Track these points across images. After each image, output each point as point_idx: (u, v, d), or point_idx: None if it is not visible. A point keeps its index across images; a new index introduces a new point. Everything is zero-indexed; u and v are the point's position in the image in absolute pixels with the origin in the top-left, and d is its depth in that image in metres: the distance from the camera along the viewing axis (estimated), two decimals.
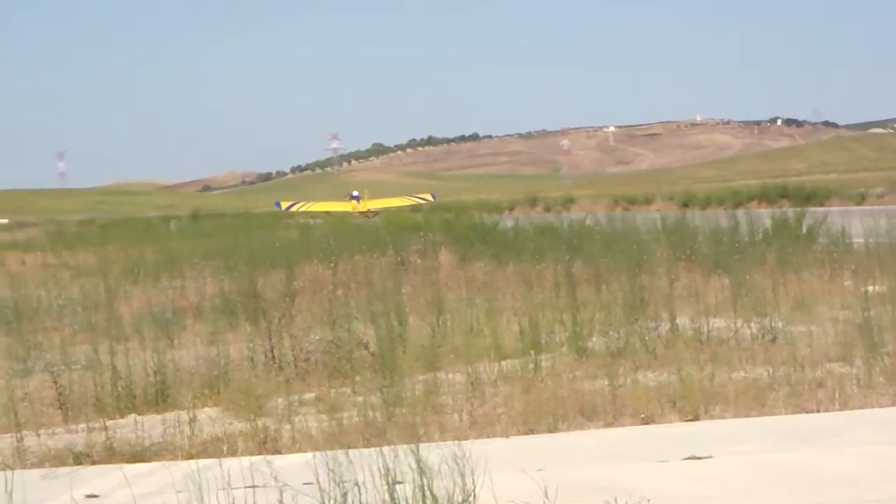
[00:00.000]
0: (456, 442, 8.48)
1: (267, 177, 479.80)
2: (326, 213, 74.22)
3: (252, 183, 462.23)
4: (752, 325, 16.10)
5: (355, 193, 79.34)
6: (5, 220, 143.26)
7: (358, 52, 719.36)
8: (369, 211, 72.95)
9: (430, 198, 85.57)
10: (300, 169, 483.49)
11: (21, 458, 11.62)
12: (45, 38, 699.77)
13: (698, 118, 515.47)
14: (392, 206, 78.44)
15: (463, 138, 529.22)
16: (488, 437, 11.53)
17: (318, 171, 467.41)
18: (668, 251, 23.82)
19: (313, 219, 68.98)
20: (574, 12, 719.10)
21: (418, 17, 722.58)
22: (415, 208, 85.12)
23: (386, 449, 8.09)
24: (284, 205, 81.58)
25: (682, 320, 16.56)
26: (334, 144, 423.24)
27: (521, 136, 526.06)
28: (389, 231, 38.94)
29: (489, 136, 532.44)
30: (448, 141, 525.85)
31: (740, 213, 30.69)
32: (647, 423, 11.94)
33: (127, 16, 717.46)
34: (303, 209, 78.76)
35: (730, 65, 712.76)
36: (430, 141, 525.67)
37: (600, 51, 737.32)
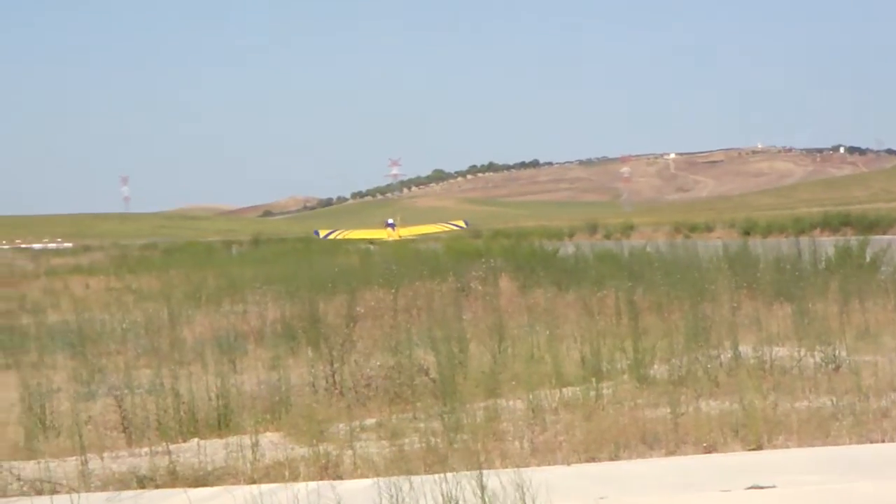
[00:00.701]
0: (517, 469, 8.47)
1: (328, 202, 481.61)
2: (365, 240, 75.24)
3: (313, 208, 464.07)
4: (816, 354, 15.97)
5: (390, 221, 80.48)
6: (70, 244, 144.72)
7: (419, 77, 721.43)
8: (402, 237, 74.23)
9: (462, 224, 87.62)
10: (361, 195, 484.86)
11: (86, 482, 11.70)
12: (111, 64, 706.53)
13: (759, 145, 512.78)
14: (425, 232, 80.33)
15: (523, 164, 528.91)
16: (549, 464, 11.48)
17: (379, 196, 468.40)
18: (730, 279, 23.67)
19: (372, 245, 69.57)
20: (636, 39, 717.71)
21: (480, 43, 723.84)
22: (474, 234, 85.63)
23: (448, 475, 8.10)
24: (323, 232, 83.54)
25: (745, 348, 16.45)
26: (394, 170, 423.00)
27: (581, 162, 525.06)
28: (450, 257, 39.03)
29: (549, 163, 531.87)
30: (508, 167, 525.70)
31: (802, 240, 30.45)
32: (709, 452, 11.85)
33: (192, 42, 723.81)
34: (340, 236, 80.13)
35: (793, 92, 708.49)
36: (491, 167, 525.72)
37: (662, 77, 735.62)
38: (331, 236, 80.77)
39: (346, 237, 79.82)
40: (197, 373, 15.75)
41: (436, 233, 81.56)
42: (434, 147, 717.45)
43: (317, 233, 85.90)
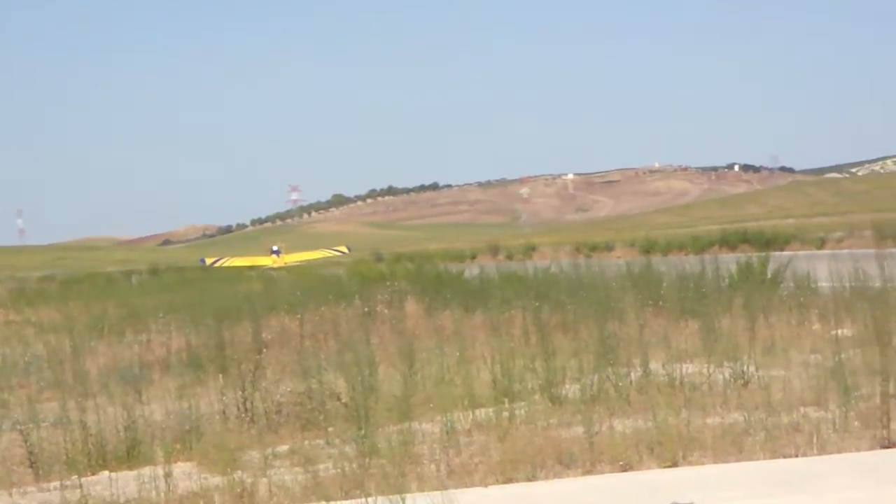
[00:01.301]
0: (441, 491, 8.41)
1: (227, 230, 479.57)
2: (249, 266, 77.00)
3: (212, 236, 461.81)
4: (725, 369, 16.09)
5: (275, 248, 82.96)
6: None
7: (317, 102, 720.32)
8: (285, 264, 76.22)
9: (345, 250, 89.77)
10: (260, 221, 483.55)
11: None
12: (2, 94, 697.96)
13: (656, 165, 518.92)
14: (309, 258, 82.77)
15: (423, 188, 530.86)
16: (467, 486, 11.42)
17: (279, 222, 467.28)
18: (636, 297, 23.80)
19: (273, 270, 69.79)
20: (531, 60, 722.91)
21: (376, 67, 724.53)
22: (377, 258, 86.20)
23: (369, 500, 8.02)
24: (209, 260, 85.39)
25: (654, 366, 16.53)
26: (294, 196, 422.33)
27: (480, 184, 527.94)
28: (355, 281, 38.92)
29: (449, 186, 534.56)
30: (408, 191, 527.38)
31: (704, 258, 30.69)
32: (626, 471, 11.87)
33: (87, 70, 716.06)
34: (226, 264, 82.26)
35: (687, 111, 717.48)
36: (390, 191, 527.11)
37: (557, 98, 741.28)
38: (217, 264, 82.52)
39: (232, 265, 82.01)
40: (103, 404, 15.47)
41: (319, 259, 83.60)
42: (333, 172, 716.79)
43: (203, 261, 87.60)
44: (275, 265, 75.53)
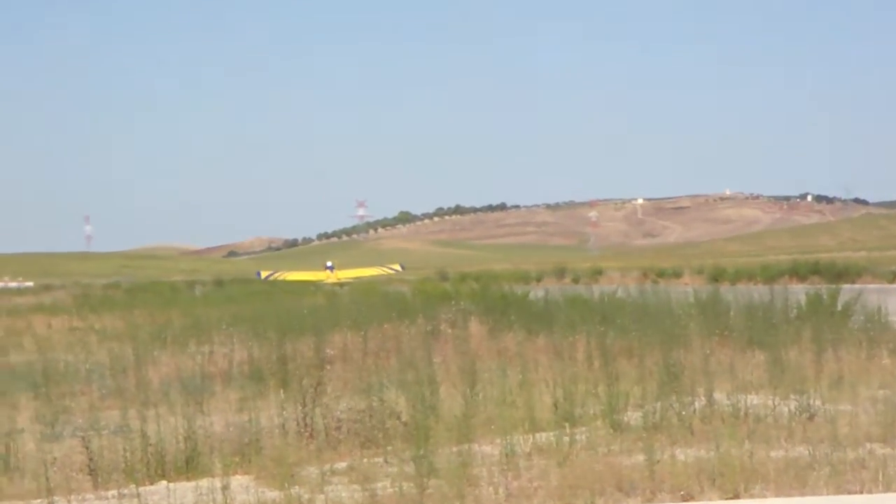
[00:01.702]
0: None
1: (293, 243, 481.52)
2: (303, 281, 79.55)
3: (278, 249, 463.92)
4: (790, 402, 15.88)
5: (329, 264, 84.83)
6: (31, 283, 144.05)
7: (386, 120, 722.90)
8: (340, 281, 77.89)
9: (398, 268, 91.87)
10: (326, 236, 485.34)
11: None
12: (72, 102, 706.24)
13: (727, 192, 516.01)
14: (361, 275, 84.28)
15: (490, 207, 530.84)
16: None
17: (345, 238, 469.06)
18: (702, 325, 23.60)
19: (340, 286, 70.34)
20: (604, 85, 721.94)
21: (447, 85, 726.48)
22: (442, 277, 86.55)
23: None
24: (264, 273, 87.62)
25: (719, 395, 16.35)
26: (361, 212, 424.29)
27: (548, 206, 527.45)
28: (419, 300, 38.88)
29: (517, 206, 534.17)
30: (475, 210, 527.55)
31: (773, 288, 30.40)
32: (686, 501, 11.71)
33: (156, 81, 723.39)
34: (281, 278, 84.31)
35: (760, 139, 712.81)
36: (458, 209, 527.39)
37: (629, 123, 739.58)
38: (272, 277, 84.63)
39: (286, 278, 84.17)
40: (164, 414, 15.52)
41: (373, 276, 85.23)
42: (401, 189, 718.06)
43: (258, 274, 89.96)
44: (328, 281, 76.87)
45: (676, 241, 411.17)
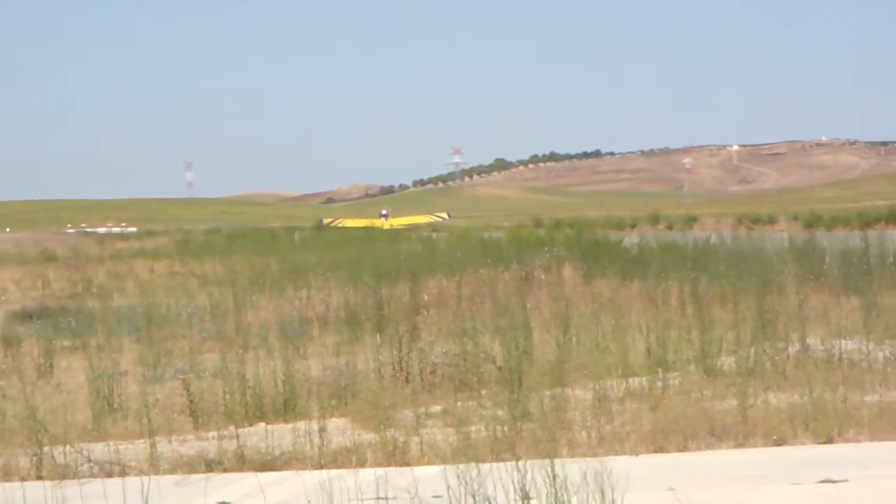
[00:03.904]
0: (592, 458, 8.43)
1: (389, 189, 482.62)
2: (360, 228, 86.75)
3: (374, 196, 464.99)
4: (885, 347, 15.81)
5: (384, 212, 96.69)
6: (134, 229, 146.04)
7: (482, 67, 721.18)
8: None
9: (445, 216, 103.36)
10: (422, 182, 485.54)
11: (155, 464, 11.77)
12: (176, 51, 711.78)
13: (824, 138, 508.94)
14: (412, 222, 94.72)
15: (585, 154, 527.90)
16: (617, 454, 11.41)
17: (441, 184, 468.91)
18: (796, 271, 23.46)
19: (435, 232, 71.30)
20: (699, 30, 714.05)
21: (542, 32, 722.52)
22: (536, 224, 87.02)
23: (518, 464, 8.05)
24: (326, 220, 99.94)
25: (812, 341, 16.32)
26: (456, 159, 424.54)
27: (643, 153, 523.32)
28: (513, 246, 38.94)
29: (611, 153, 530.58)
30: (569, 157, 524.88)
31: (869, 234, 30.10)
32: (779, 445, 11.75)
33: (258, 31, 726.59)
34: (339, 224, 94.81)
35: (857, 85, 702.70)
36: (552, 157, 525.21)
37: (726, 69, 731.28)
38: (333, 224, 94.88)
39: (344, 225, 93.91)
40: (262, 358, 15.76)
41: (422, 223, 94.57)
42: (496, 136, 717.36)
43: (321, 220, 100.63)
44: (383, 227, 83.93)
45: (772, 188, 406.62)
